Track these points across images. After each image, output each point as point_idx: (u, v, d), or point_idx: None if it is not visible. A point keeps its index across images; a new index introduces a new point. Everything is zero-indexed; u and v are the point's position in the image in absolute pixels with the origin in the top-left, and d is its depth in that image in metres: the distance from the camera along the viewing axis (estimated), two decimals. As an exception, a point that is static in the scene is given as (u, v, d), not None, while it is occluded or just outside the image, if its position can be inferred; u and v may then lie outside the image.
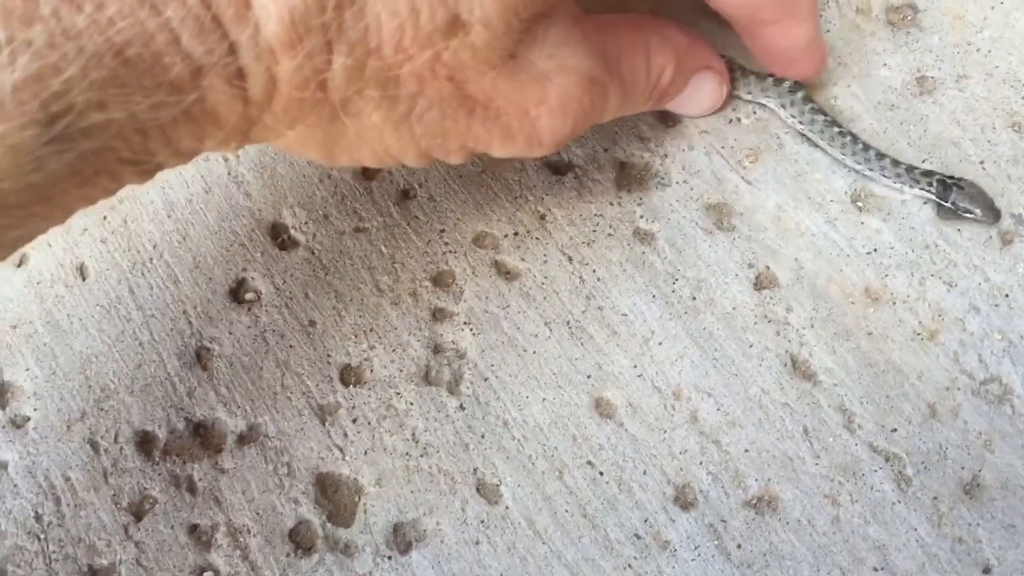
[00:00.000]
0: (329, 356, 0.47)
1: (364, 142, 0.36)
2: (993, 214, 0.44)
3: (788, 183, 0.47)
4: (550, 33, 0.36)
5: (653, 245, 0.47)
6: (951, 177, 0.44)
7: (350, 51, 0.31)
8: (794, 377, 0.44)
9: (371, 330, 0.47)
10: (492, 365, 0.46)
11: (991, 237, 0.45)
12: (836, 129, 0.46)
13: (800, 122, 0.47)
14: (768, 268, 0.46)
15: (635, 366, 0.45)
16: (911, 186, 0.45)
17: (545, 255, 0.48)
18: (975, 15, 0.50)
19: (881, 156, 0.45)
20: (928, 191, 0.44)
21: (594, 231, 0.48)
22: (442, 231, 0.49)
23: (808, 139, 0.47)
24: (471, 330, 0.47)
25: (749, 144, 0.49)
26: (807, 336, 0.44)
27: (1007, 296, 0.43)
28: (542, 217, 0.49)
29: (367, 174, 0.51)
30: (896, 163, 0.45)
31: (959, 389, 0.42)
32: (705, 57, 0.45)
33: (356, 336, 0.47)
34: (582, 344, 0.46)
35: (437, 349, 0.46)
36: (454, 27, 0.32)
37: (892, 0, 0.51)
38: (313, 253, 0.49)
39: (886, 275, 0.45)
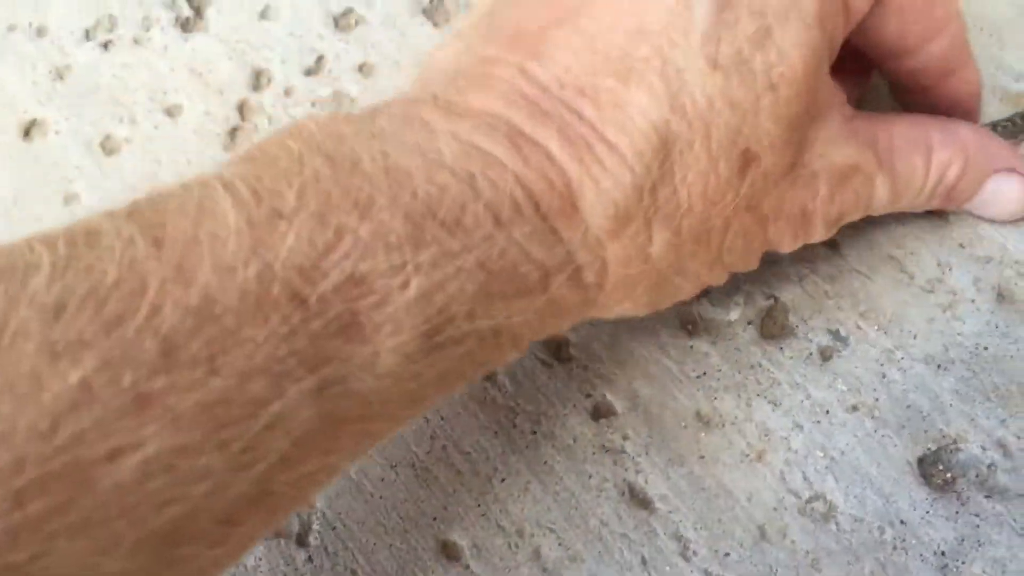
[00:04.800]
0: (178, 514, 0.47)
1: (687, 287, 0.39)
2: None
3: (621, 310, 0.49)
4: (820, 134, 0.38)
5: (494, 380, 0.48)
6: None
7: (668, 222, 0.34)
8: (631, 506, 0.45)
9: (220, 485, 0.47)
10: (340, 513, 0.46)
11: (811, 354, 0.47)
12: None
13: None
14: (605, 397, 0.47)
15: (479, 505, 0.46)
16: None
17: (390, 396, 0.49)
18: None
19: None
20: None
21: (437, 369, 0.49)
22: (289, 377, 0.50)
23: None
24: (319, 478, 0.47)
25: (583, 273, 0.50)
26: (643, 463, 0.46)
27: (827, 412, 0.45)
28: (387, 357, 0.50)
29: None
30: None
31: (786, 509, 0.44)
32: (1004, 158, 0.45)
33: (205, 492, 0.47)
34: (427, 486, 0.46)
35: (286, 500, 0.47)
36: (747, 162, 0.35)
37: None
38: (162, 408, 0.49)
39: (715, 398, 0.46)
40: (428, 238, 0.29)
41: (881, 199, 0.43)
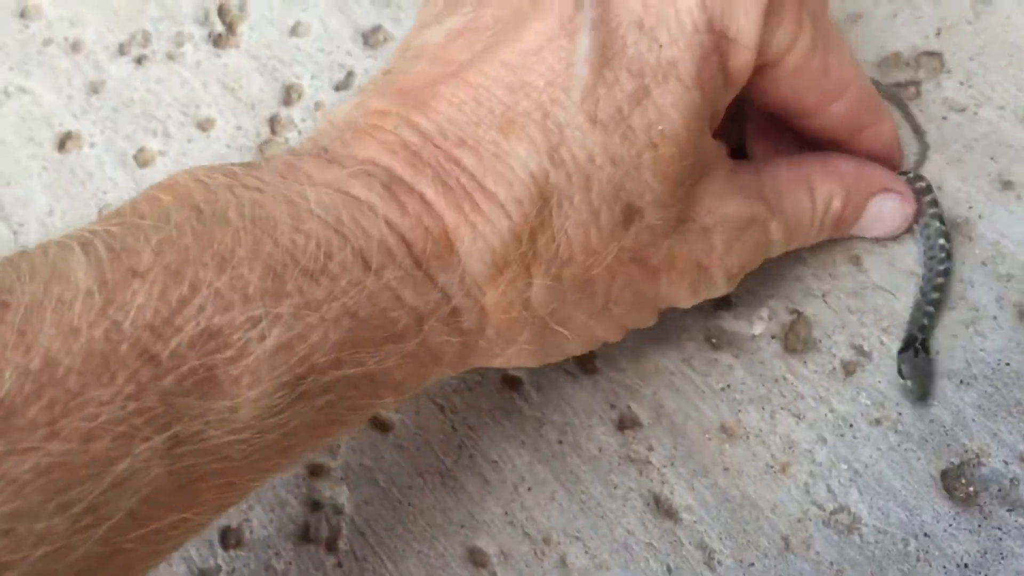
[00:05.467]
0: (209, 519, 0.48)
1: (574, 339, 0.39)
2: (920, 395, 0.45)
3: (646, 323, 0.50)
4: (708, 190, 0.40)
5: (520, 391, 0.49)
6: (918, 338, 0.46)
7: (547, 270, 0.35)
8: (657, 516, 0.45)
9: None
10: (368, 520, 0.47)
11: (835, 369, 0.47)
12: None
13: None
14: (630, 408, 0.48)
15: (506, 513, 0.46)
16: None
17: (417, 405, 0.49)
18: (813, 153, 0.53)
19: None
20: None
21: (464, 379, 0.50)
22: (319, 386, 0.51)
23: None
24: (347, 485, 0.48)
25: (609, 286, 0.51)
26: (668, 474, 0.46)
27: (851, 426, 0.46)
28: (415, 367, 0.50)
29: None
30: None
31: (810, 520, 0.44)
32: (880, 180, 0.47)
33: (235, 498, 0.48)
34: (455, 494, 0.47)
35: (315, 506, 0.48)
36: (630, 215, 0.36)
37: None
38: (193, 415, 0.50)
39: (739, 410, 0.47)
40: (289, 288, 0.30)
41: (777, 242, 0.45)
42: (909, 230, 0.49)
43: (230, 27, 0.64)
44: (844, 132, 0.45)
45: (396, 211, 0.33)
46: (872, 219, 0.48)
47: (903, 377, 0.46)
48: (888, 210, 0.48)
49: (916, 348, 0.46)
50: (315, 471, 0.48)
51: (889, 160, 0.48)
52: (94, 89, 0.62)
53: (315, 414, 0.31)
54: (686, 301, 0.41)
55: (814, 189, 0.45)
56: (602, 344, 0.43)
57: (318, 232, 0.31)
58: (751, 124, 0.48)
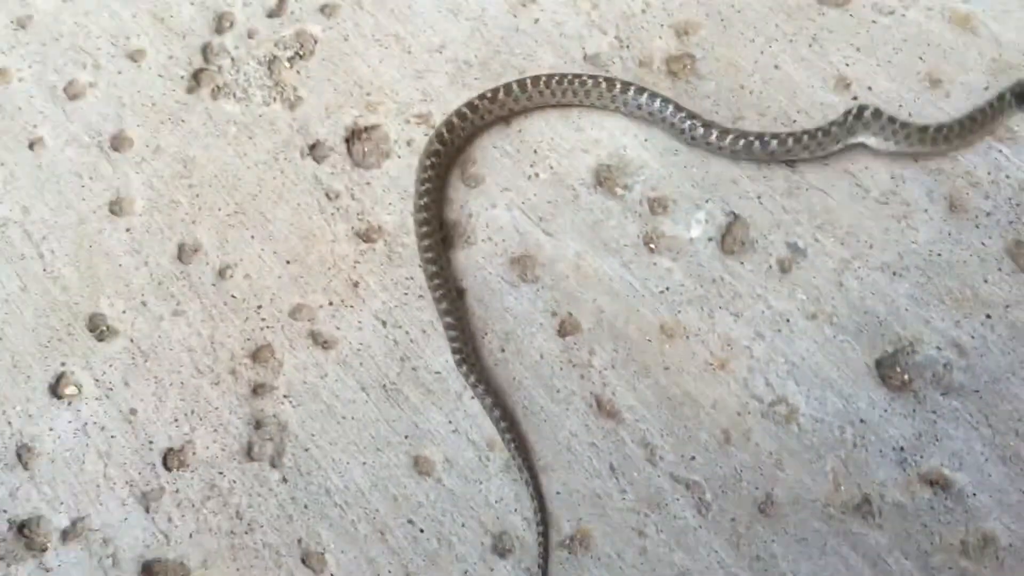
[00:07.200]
0: (151, 442, 0.47)
1: None
2: None
3: (585, 232, 0.50)
4: None
5: (462, 300, 0.49)
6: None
7: None
8: (599, 417, 0.46)
9: (192, 412, 0.48)
10: (313, 435, 0.47)
11: (771, 267, 0.48)
12: None
13: None
14: (571, 315, 0.48)
15: (450, 422, 0.46)
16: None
17: (360, 322, 0.49)
18: (746, 60, 0.53)
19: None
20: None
21: (406, 294, 0.49)
22: (259, 307, 0.50)
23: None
24: (291, 402, 0.47)
25: (547, 197, 0.51)
26: (609, 377, 0.46)
27: (788, 321, 0.46)
28: (355, 284, 0.50)
29: (183, 257, 0.52)
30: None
31: (750, 413, 0.45)
32: None
33: (177, 420, 0.48)
34: (399, 405, 0.47)
35: (258, 424, 0.47)
36: None
37: (671, 51, 0.55)
38: (132, 341, 0.50)
39: (678, 311, 0.47)
40: None
41: None
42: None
43: (158, -42, 0.63)
44: None
45: None
46: None
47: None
48: None
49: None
50: (257, 391, 0.48)
51: None
52: (21, 24, 0.60)
53: None
54: None
55: None
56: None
57: None
58: None
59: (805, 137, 0.48)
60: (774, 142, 0.48)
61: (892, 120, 0.48)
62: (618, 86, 0.51)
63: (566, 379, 0.47)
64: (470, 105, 0.53)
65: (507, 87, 0.53)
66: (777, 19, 0.55)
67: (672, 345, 0.47)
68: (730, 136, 0.49)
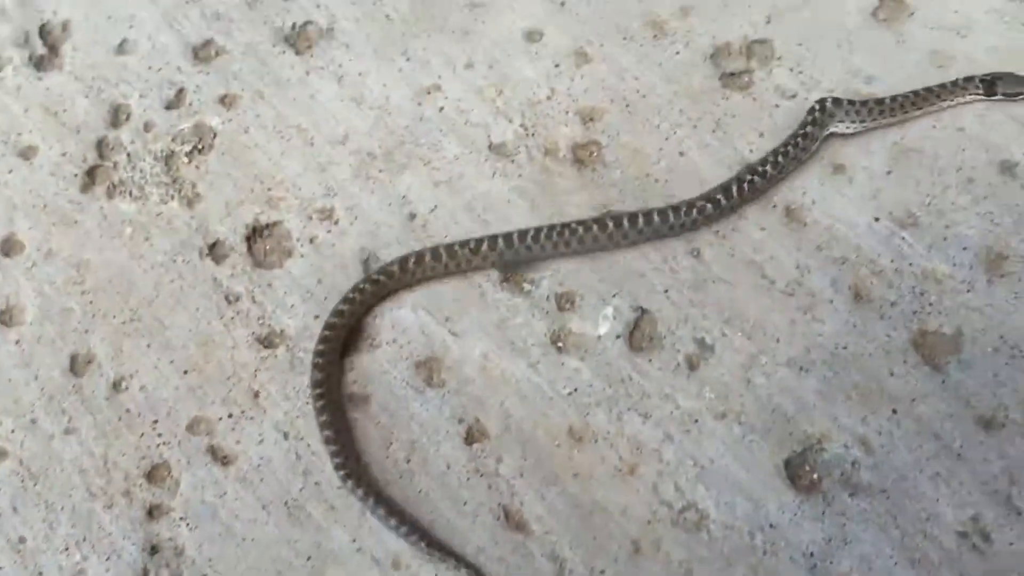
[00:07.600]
0: (41, 573, 0.45)
1: None
2: None
3: (492, 331, 0.49)
4: None
5: (366, 410, 0.48)
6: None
7: None
8: (507, 530, 0.44)
9: (84, 539, 0.46)
10: (211, 559, 0.45)
11: (679, 364, 0.47)
12: None
13: None
14: (478, 420, 0.47)
15: (354, 540, 0.45)
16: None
17: (260, 434, 0.47)
18: (652, 147, 0.53)
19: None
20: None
21: (307, 403, 0.48)
22: (155, 422, 0.48)
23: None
24: (188, 525, 0.46)
25: (453, 296, 0.50)
26: (517, 486, 0.45)
27: (696, 421, 0.46)
28: (256, 394, 0.49)
29: (75, 369, 0.50)
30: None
31: (659, 521, 0.44)
32: None
33: (68, 548, 0.46)
34: (301, 524, 0.45)
35: (154, 550, 0.45)
36: None
37: (577, 138, 0.54)
38: (21, 463, 0.48)
39: (587, 414, 0.46)
40: None
41: None
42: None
43: (52, 48, 0.61)
44: None
45: None
46: None
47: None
48: None
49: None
50: (153, 513, 0.46)
51: None
52: (-94, 121, 0.58)
53: None
54: None
55: None
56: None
57: None
58: None
59: (790, 148, 0.50)
60: (768, 167, 0.49)
61: (852, 103, 0.51)
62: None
63: (473, 490, 0.46)
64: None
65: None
66: (681, 104, 0.54)
67: (581, 450, 0.46)
68: (733, 186, 0.49)
